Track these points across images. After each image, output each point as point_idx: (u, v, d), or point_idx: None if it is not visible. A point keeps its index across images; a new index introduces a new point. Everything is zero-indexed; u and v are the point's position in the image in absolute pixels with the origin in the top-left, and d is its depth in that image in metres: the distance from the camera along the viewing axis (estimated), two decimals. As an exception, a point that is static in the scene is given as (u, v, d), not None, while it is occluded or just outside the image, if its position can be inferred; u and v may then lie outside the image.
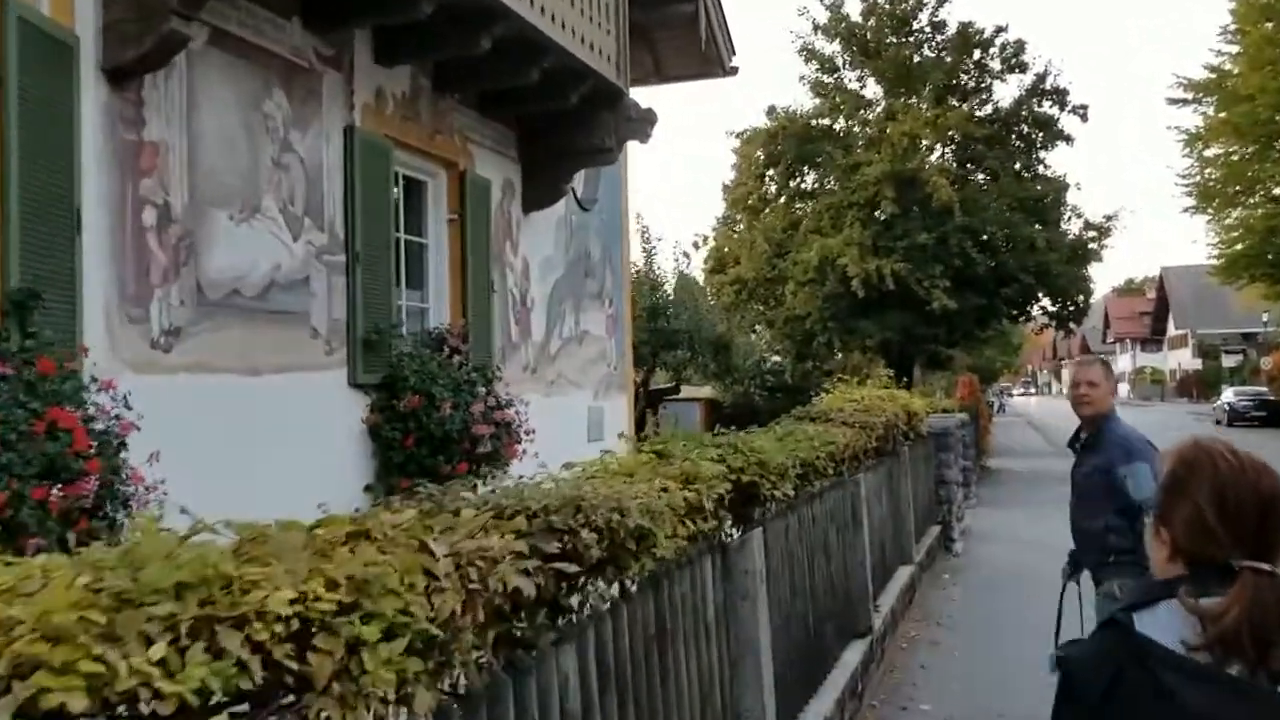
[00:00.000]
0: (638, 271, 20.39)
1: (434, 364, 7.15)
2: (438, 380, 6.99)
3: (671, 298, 20.21)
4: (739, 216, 26.09)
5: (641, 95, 10.45)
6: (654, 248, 20.70)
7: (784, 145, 24.36)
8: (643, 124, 8.83)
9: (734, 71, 12.68)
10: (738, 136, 25.05)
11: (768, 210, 25.31)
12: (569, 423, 9.84)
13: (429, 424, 6.69)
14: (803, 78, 25.29)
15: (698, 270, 25.66)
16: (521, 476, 3.74)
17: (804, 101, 26.08)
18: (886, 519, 8.19)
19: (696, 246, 25.82)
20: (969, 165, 25.39)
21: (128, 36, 4.74)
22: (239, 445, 5.57)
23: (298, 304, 6.09)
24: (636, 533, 2.83)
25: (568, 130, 8.86)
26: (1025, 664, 3.79)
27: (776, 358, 27.55)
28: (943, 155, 25.21)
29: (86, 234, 4.64)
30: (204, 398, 5.34)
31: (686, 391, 30.43)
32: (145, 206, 5.01)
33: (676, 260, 21.65)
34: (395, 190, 7.46)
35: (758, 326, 26.14)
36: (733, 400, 26.65)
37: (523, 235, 9.03)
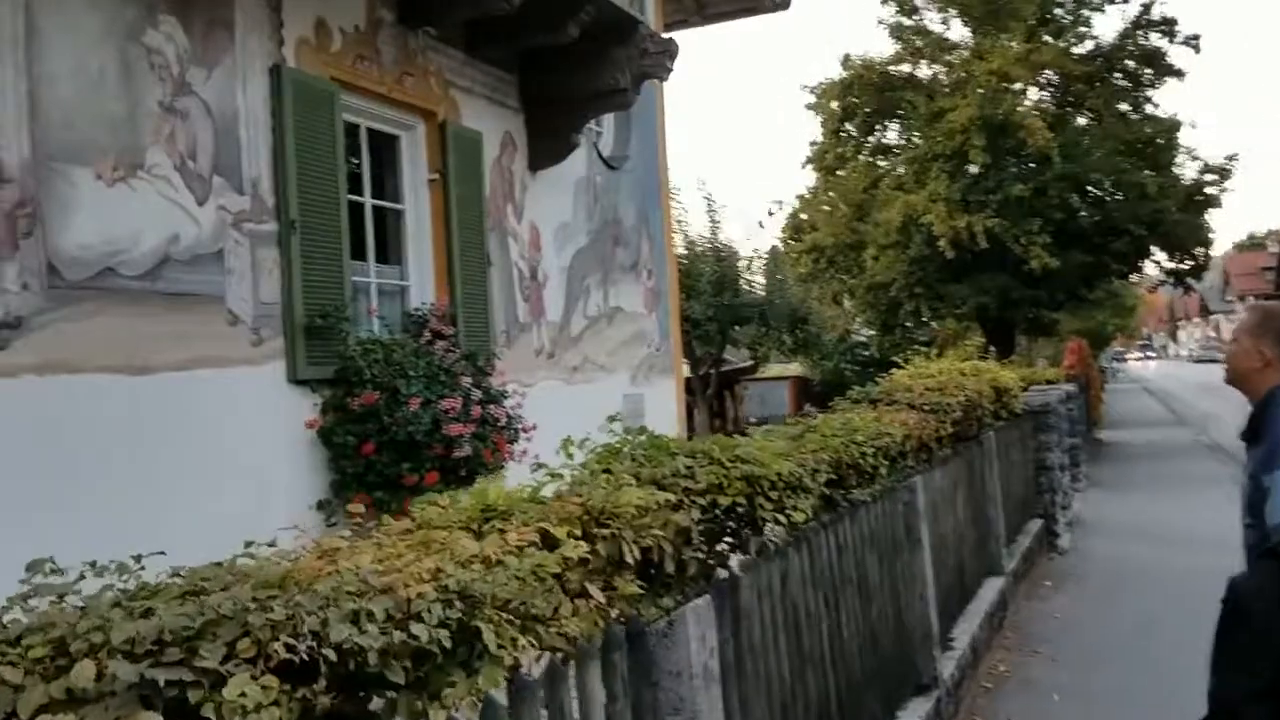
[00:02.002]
0: (699, 240, 19.02)
1: (403, 352, 5.93)
2: (406, 372, 5.77)
3: (742, 269, 18.78)
4: (816, 178, 24.35)
5: (690, 39, 9.09)
6: (718, 214, 19.22)
7: (861, 96, 22.52)
8: (661, 57, 7.46)
9: (785, 4, 11.22)
10: (812, 91, 23.31)
11: (846, 169, 23.51)
12: (601, 413, 8.50)
13: (390, 425, 5.47)
14: (880, 21, 23.39)
15: (774, 239, 24.11)
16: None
17: (882, 48, 24.22)
18: (964, 525, 6.69)
19: (771, 213, 24.12)
20: (1067, 107, 23.17)
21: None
22: (122, 467, 4.42)
23: (206, 284, 4.91)
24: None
25: (572, 70, 7.54)
26: (1154, 705, 2.38)
27: (870, 330, 25.87)
28: (1038, 98, 23.06)
29: None
30: (64, 407, 4.20)
31: (773, 370, 29.00)
32: (-45, 163, 3.86)
33: (747, 228, 20.12)
34: (347, 144, 6.25)
35: (839, 297, 24.43)
36: (822, 377, 25.08)
37: (530, 198, 7.75)
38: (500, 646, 1.69)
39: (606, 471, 3.07)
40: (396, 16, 6.39)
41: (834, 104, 23.08)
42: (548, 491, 3.01)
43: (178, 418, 4.71)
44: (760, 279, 21.14)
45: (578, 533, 2.18)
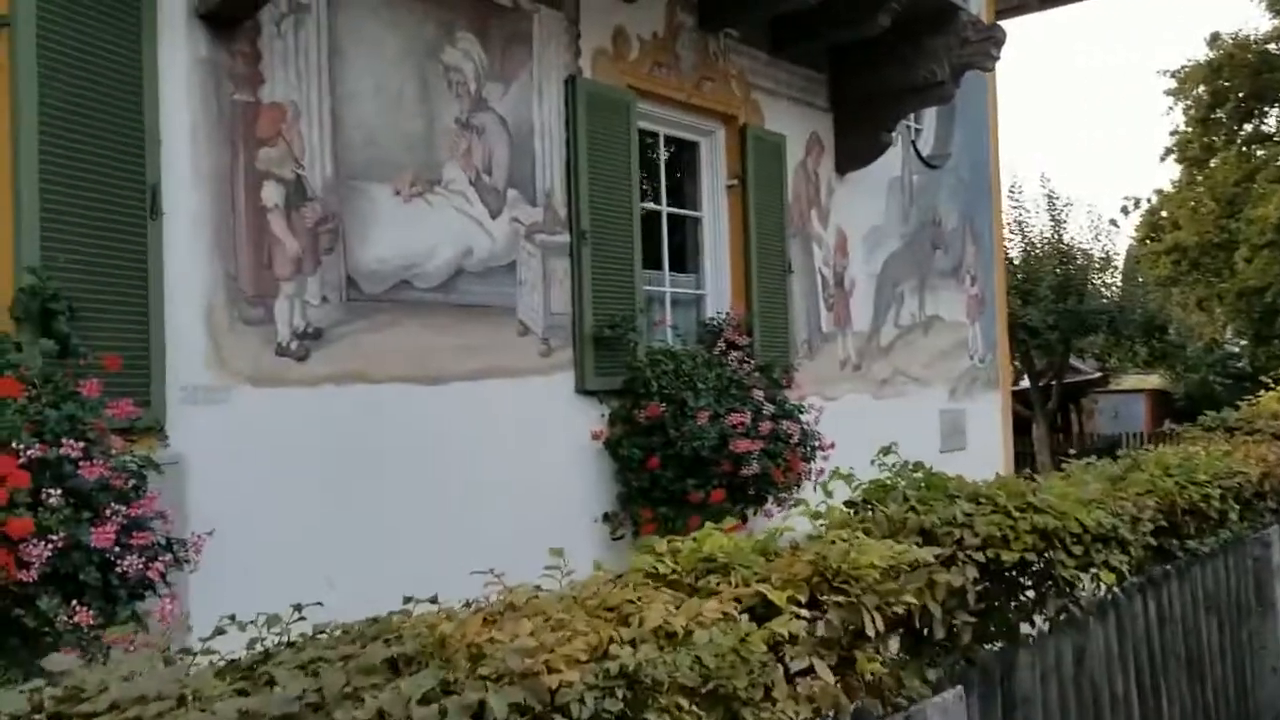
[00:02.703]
0: (1039, 242, 17.62)
1: (693, 363, 5.77)
2: (695, 384, 5.61)
3: (1089, 272, 17.18)
4: (1178, 171, 21.88)
5: (1025, 25, 8.39)
6: (1063, 214, 17.70)
7: (1233, 79, 19.96)
8: (985, 45, 6.83)
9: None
10: (1173, 75, 20.95)
11: (1215, 160, 20.94)
12: (912, 430, 8.01)
13: (676, 439, 5.32)
14: (1257, -8, 20.63)
15: (1128, 239, 21.96)
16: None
17: (1258, 24, 21.36)
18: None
19: (1126, 212, 21.93)
20: None
21: (218, -28, 3.83)
22: (414, 475, 4.55)
23: (498, 295, 4.98)
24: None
25: (884, 64, 7.07)
26: None
27: (1242, 340, 22.99)
28: None
29: (172, 220, 3.79)
30: (360, 415, 4.37)
31: (1128, 381, 26.50)
32: (265, 183, 4.10)
33: (1096, 228, 18.38)
34: (646, 152, 6.18)
35: (1205, 302, 21.80)
36: (1186, 391, 22.61)
37: (837, 202, 7.37)
38: (678, 743, 1.41)
39: (867, 504, 2.68)
40: (696, 20, 6.25)
41: (1200, 89, 20.64)
42: (801, 526, 2.70)
43: (468, 427, 4.79)
44: (1111, 283, 19.31)
45: (802, 598, 1.85)
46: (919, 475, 3.01)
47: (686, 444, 5.28)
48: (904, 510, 2.60)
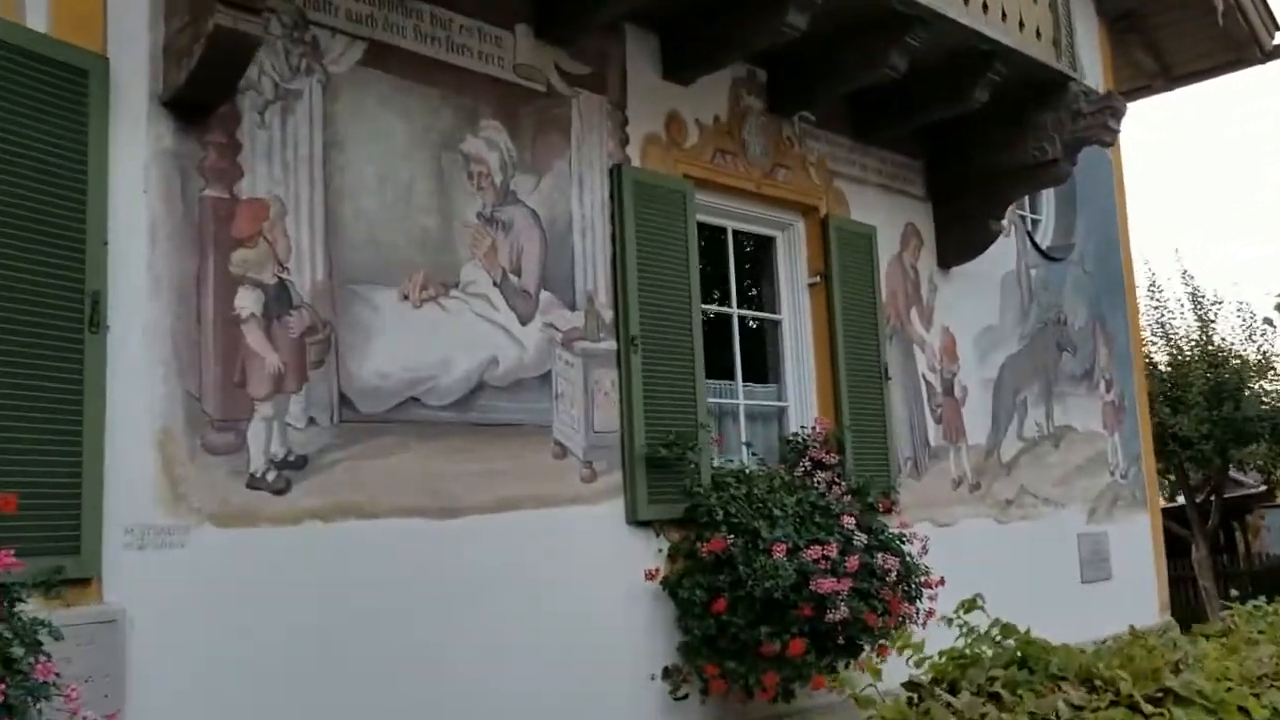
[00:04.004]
0: (1194, 347, 16.15)
1: (769, 486, 4.96)
2: (771, 511, 4.79)
3: (1245, 376, 15.60)
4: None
5: (1149, 108, 7.57)
6: (1213, 313, 16.23)
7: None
8: (1101, 117, 6.00)
9: (1275, 53, 9.08)
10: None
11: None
12: (1046, 559, 6.97)
13: (747, 577, 4.48)
14: None
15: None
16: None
17: None
18: None
19: (1281, 309, 20.10)
20: None
21: (181, 51, 3.38)
22: (424, 626, 3.84)
23: (529, 412, 4.31)
24: None
25: (986, 144, 6.31)
26: None
27: None
28: None
29: (121, 333, 3.27)
30: (354, 556, 3.71)
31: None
32: (240, 289, 3.56)
33: (1249, 327, 16.80)
34: (711, 250, 5.52)
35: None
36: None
37: (942, 300, 6.54)
38: None
39: (939, 683, 1.86)
40: (765, 104, 5.63)
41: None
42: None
43: (492, 567, 4.08)
44: (1271, 389, 17.57)
45: None
46: (1011, 643, 2.13)
47: (758, 584, 4.44)
48: (982, 704, 1.75)
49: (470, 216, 4.26)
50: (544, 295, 4.45)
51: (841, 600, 4.53)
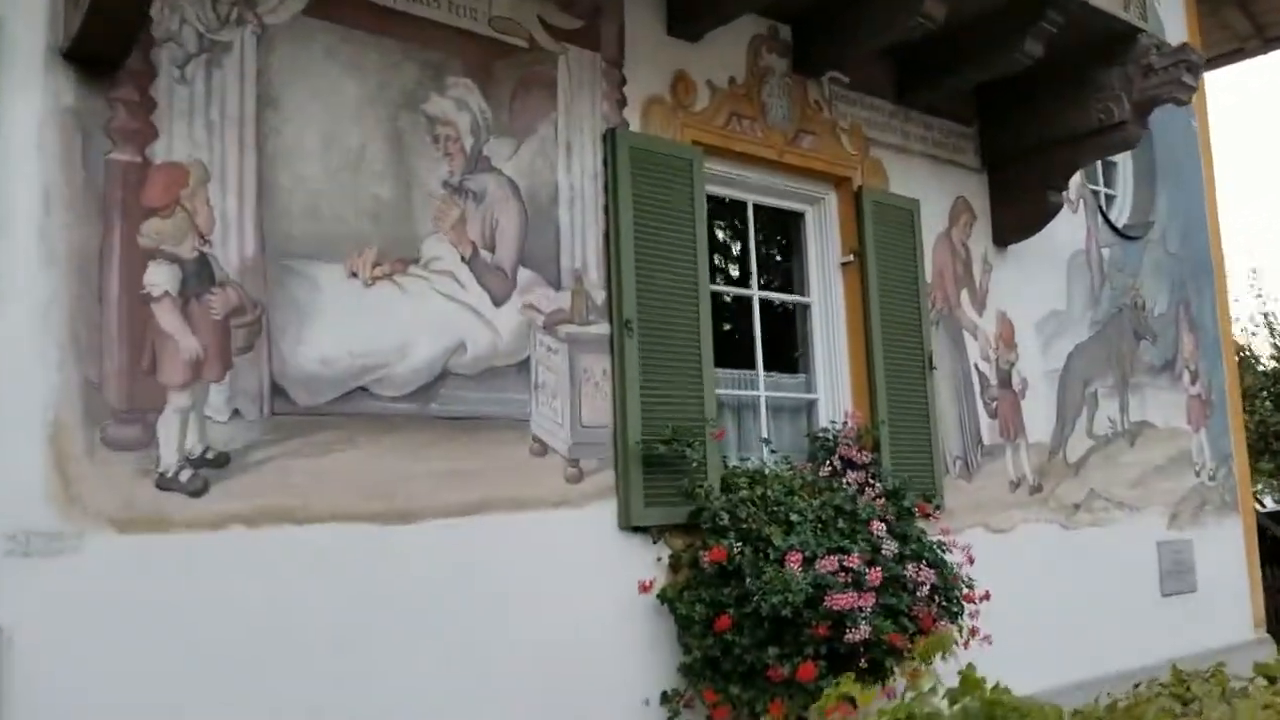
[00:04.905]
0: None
1: (785, 488, 4.42)
2: (787, 515, 4.25)
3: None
4: None
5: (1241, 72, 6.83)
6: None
7: None
8: (1175, 72, 5.30)
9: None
10: None
11: None
12: (1119, 570, 6.27)
13: (755, 591, 3.95)
14: None
15: None
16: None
17: None
18: None
19: None
20: None
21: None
22: (370, 650, 3.40)
23: (503, 403, 3.84)
24: None
25: (1046, 106, 5.64)
26: None
27: None
28: None
29: (8, 309, 2.89)
30: (284, 567, 3.27)
31: None
32: (152, 263, 3.16)
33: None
34: (727, 224, 5.00)
35: None
36: None
37: (998, 282, 5.89)
38: None
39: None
40: (790, 63, 5.07)
41: None
42: None
43: (454, 580, 3.61)
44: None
45: None
46: (974, 706, 1.58)
47: (766, 599, 3.90)
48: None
49: (434, 185, 3.80)
50: (523, 273, 3.97)
51: (863, 618, 3.97)
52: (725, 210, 5.19)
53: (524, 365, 3.92)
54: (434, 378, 3.68)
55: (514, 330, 3.91)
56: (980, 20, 5.06)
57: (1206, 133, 7.83)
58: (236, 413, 3.24)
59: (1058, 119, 5.64)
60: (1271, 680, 2.55)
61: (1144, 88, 5.39)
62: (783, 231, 5.42)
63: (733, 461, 4.68)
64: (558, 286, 4.07)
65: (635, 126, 4.43)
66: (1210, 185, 7.74)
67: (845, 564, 4.07)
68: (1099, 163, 7.01)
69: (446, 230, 3.79)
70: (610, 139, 4.29)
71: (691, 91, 4.66)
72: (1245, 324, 15.34)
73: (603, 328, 4.16)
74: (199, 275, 3.24)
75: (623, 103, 4.41)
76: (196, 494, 3.14)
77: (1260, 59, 9.03)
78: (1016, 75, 5.40)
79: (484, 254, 3.88)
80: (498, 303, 3.88)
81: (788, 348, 5.30)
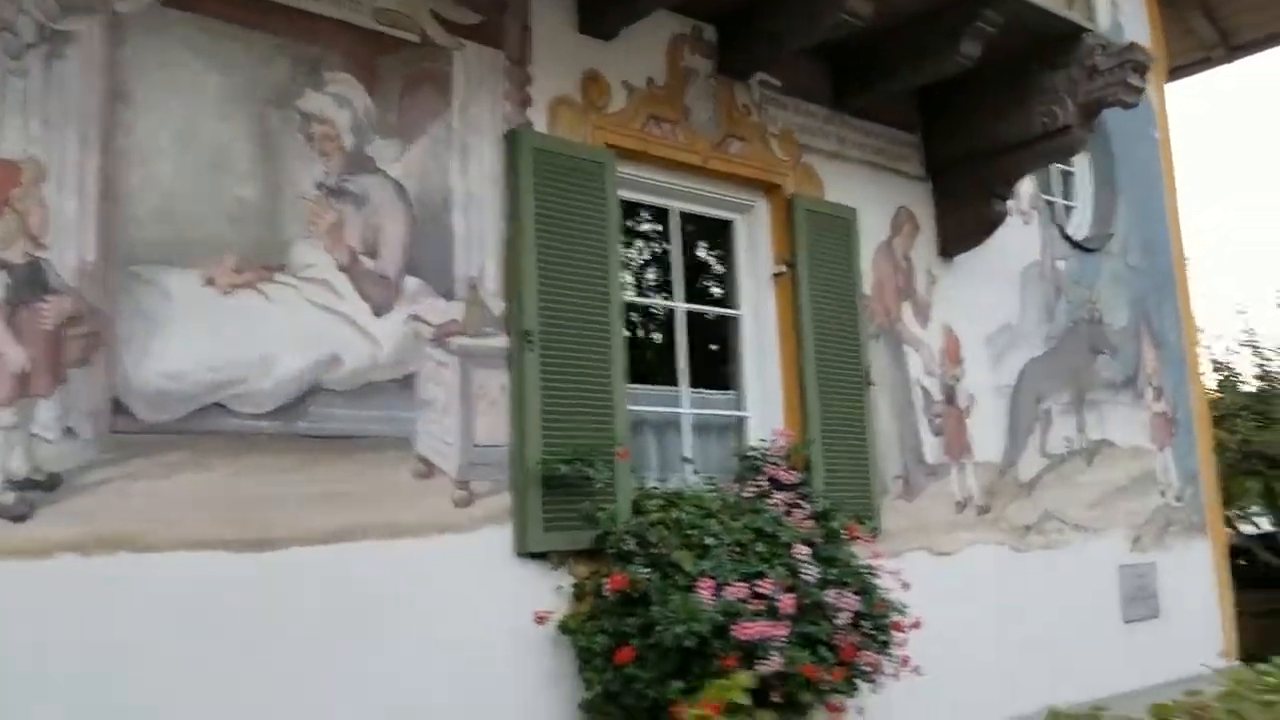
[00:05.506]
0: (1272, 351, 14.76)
1: (702, 511, 4.14)
2: (703, 539, 3.98)
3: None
4: None
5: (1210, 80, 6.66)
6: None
7: None
8: (1121, 73, 5.07)
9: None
10: None
11: None
12: (1077, 595, 5.99)
13: (660, 621, 3.67)
14: None
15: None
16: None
17: None
18: None
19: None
20: None
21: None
22: (221, 695, 3.11)
23: (384, 421, 3.57)
24: None
25: (989, 111, 5.42)
26: None
27: None
28: None
29: None
30: (122, 600, 2.99)
31: None
32: (-29, 269, 2.90)
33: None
34: (648, 232, 4.76)
35: None
36: None
37: (943, 294, 5.65)
38: None
39: None
40: (715, 65, 4.84)
41: None
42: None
43: (320, 612, 3.33)
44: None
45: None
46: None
47: (668, 628, 3.62)
48: None
49: (307, 187, 3.54)
50: (409, 282, 3.72)
51: (775, 648, 3.69)
52: (649, 219, 4.95)
53: (409, 380, 3.65)
54: (302, 393, 3.41)
55: (397, 342, 3.64)
56: (915, 21, 4.87)
57: (1169, 143, 7.62)
58: (69, 430, 2.97)
59: (1001, 125, 5.42)
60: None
61: (1089, 90, 5.17)
62: (712, 241, 5.18)
63: (652, 482, 4.43)
64: (450, 296, 3.81)
65: (541, 128, 4.19)
66: (1172, 197, 7.52)
67: (759, 590, 3.80)
68: (1058, 173, 6.81)
69: (321, 235, 3.54)
70: (513, 141, 4.05)
71: (605, 92, 4.43)
72: (1229, 343, 15.09)
73: (501, 340, 3.90)
74: (30, 282, 2.97)
75: (527, 103, 4.17)
76: (20, 519, 2.86)
77: (1229, 67, 8.82)
78: (959, 79, 5.20)
79: (365, 260, 3.62)
80: (379, 313, 3.63)
81: (718, 363, 5.05)
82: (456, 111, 3.96)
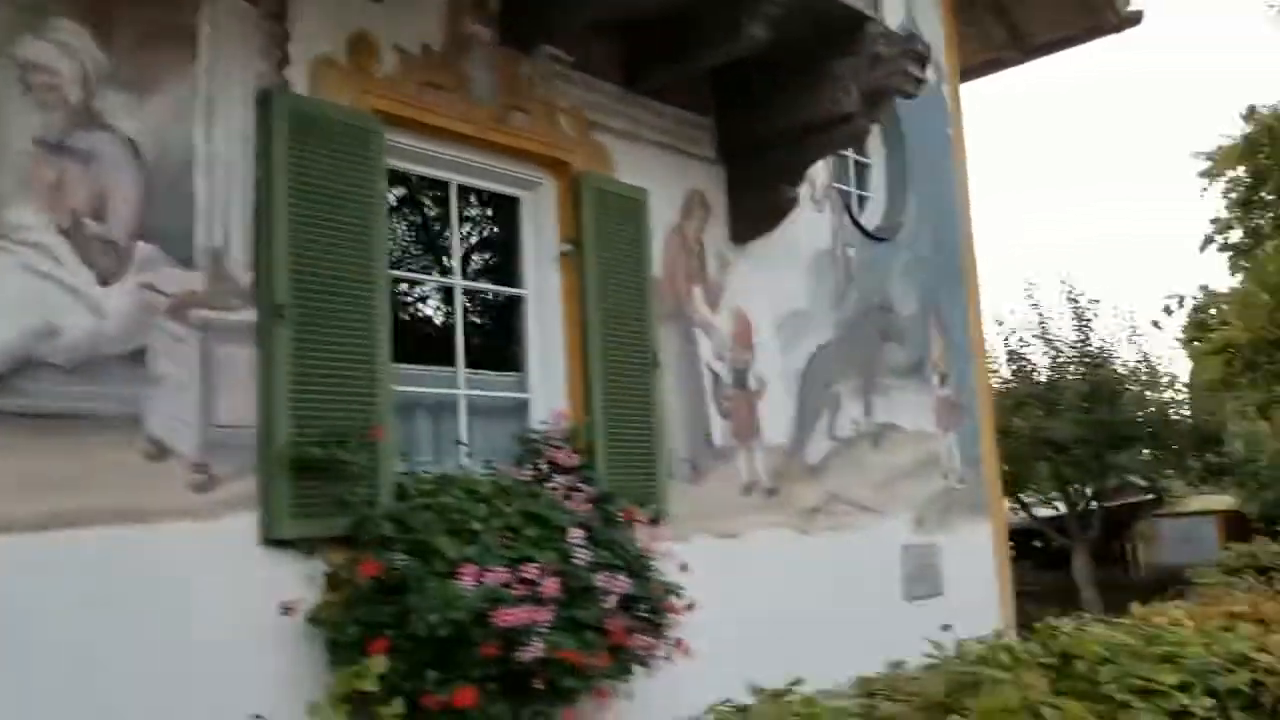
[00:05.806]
0: (1073, 348, 15.70)
1: (471, 496, 3.99)
2: (468, 524, 3.83)
3: (1124, 378, 15.16)
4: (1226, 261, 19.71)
5: (1011, 81, 6.87)
6: (1089, 314, 15.79)
7: (1275, 155, 17.98)
8: (900, 62, 5.18)
9: (1134, 20, 8.48)
10: (1208, 158, 19.02)
11: (1265, 248, 18.79)
12: (861, 575, 6.11)
13: (417, 611, 3.50)
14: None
15: (1173, 341, 19.81)
16: None
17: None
18: None
19: (1169, 311, 19.74)
20: None
21: None
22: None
23: (110, 399, 3.28)
24: None
25: (781, 96, 5.45)
26: None
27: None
28: None
29: None
30: None
31: (1195, 504, 23.98)
32: None
33: (1132, 329, 16.39)
34: (425, 206, 4.58)
35: (1270, 408, 19.40)
36: (1261, 511, 20.13)
37: (734, 279, 5.65)
38: None
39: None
40: (497, 34, 4.68)
41: (1239, 169, 18.67)
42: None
43: (28, 611, 3.03)
44: (1153, 391, 17.22)
45: None
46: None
47: (422, 616, 3.46)
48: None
49: (24, 142, 3.22)
50: (141, 248, 3.43)
51: (534, 634, 3.58)
52: (430, 191, 4.76)
53: (139, 355, 3.37)
54: (11, 367, 3.09)
55: (126, 314, 3.35)
56: (704, 1, 4.82)
57: (962, 140, 7.88)
58: None
59: (791, 111, 5.45)
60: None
61: (872, 78, 5.25)
62: (499, 219, 5.03)
63: (424, 467, 4.25)
64: (190, 266, 3.54)
65: (302, 90, 3.94)
66: (962, 191, 7.79)
67: (524, 575, 3.69)
68: (852, 163, 6.95)
69: (39, 194, 3.22)
70: (266, 101, 3.80)
71: (374, 56, 4.21)
72: (1022, 335, 15.96)
73: (248, 314, 3.65)
74: None
75: (284, 61, 3.92)
76: None
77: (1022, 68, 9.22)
78: (753, 64, 5.19)
79: (89, 224, 3.32)
80: (105, 281, 3.33)
81: (503, 344, 4.91)
82: (203, 68, 3.68)
